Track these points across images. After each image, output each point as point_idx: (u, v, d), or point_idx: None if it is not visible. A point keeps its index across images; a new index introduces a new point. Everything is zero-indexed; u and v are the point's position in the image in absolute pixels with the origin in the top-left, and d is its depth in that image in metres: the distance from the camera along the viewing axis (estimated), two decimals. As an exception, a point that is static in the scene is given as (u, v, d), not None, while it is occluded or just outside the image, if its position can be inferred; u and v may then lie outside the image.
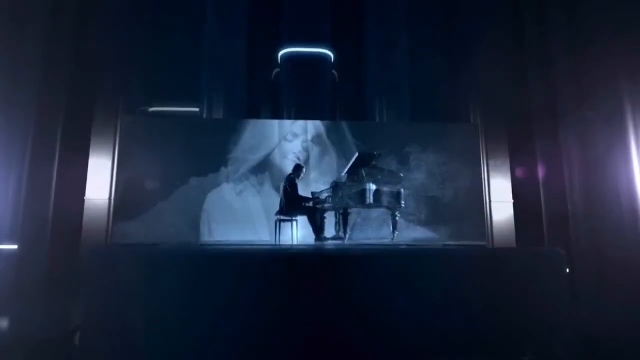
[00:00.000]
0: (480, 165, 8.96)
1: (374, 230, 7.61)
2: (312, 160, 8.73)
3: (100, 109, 8.55)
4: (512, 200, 8.89)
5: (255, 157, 8.70)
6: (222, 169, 8.66)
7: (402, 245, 2.88)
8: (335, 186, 5.81)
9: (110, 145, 8.57)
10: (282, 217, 5.71)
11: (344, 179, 5.95)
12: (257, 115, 9.25)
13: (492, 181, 8.93)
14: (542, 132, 8.61)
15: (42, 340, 3.03)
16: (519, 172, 8.94)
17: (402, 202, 6.10)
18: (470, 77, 9.01)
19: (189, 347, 2.34)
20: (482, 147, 9.01)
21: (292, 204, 5.72)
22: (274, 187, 8.59)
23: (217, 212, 8.51)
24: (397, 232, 6.35)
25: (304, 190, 6.34)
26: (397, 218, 6.27)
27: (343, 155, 8.70)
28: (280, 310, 2.40)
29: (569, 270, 7.16)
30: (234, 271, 2.44)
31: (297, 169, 5.97)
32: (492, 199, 8.89)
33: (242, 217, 8.55)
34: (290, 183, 5.79)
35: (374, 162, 6.00)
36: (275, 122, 8.97)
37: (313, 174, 8.63)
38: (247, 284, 2.39)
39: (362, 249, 2.65)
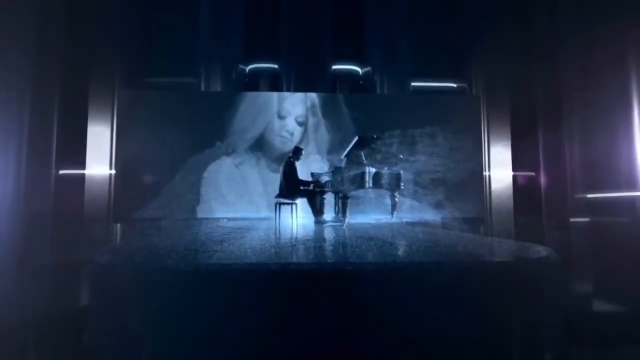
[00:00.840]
0: (481, 137, 8.91)
1: (373, 209, 7.66)
2: (308, 134, 8.70)
3: (96, 83, 8.44)
4: (512, 173, 8.89)
5: (253, 130, 8.66)
6: (221, 142, 8.64)
7: (401, 258, 2.92)
8: (335, 170, 5.81)
9: (108, 120, 8.52)
10: (282, 200, 5.73)
11: (343, 162, 5.94)
12: (256, 88, 9.09)
13: (492, 153, 8.90)
14: (545, 105, 8.51)
15: (46, 321, 3.08)
16: (519, 144, 8.90)
17: (402, 183, 6.13)
18: (473, 50, 8.79)
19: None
20: (483, 120, 8.93)
21: (292, 187, 5.74)
22: (271, 160, 8.65)
23: (216, 186, 8.57)
24: (396, 212, 6.43)
25: (301, 166, 6.30)
26: (396, 199, 6.32)
27: (341, 128, 8.65)
28: (281, 325, 2.47)
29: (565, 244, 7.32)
30: (236, 289, 2.49)
31: (297, 151, 5.93)
32: (491, 171, 8.90)
33: (242, 190, 8.60)
34: (290, 166, 5.78)
35: (373, 145, 5.97)
36: (275, 94, 8.85)
37: (309, 147, 8.62)
38: (248, 303, 2.44)
39: (363, 265, 2.69)
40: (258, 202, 8.55)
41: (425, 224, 7.25)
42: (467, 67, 9.02)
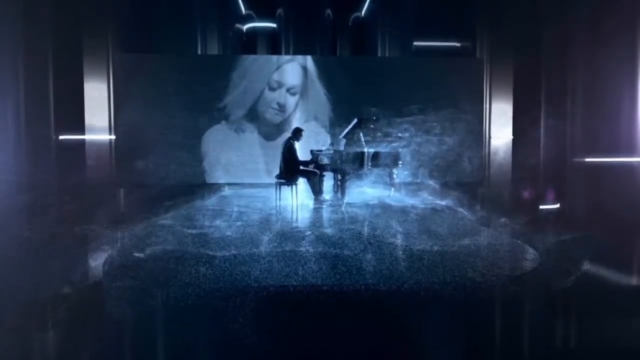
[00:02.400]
0: (483, 100, 8.82)
1: (372, 185, 7.72)
2: (308, 99, 8.64)
3: (89, 47, 8.23)
4: (512, 137, 8.88)
5: (247, 98, 8.60)
6: (218, 107, 8.60)
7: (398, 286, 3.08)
8: (334, 152, 5.86)
9: (104, 84, 8.41)
10: (282, 181, 5.83)
11: (342, 143, 5.97)
12: (254, 50, 8.86)
13: (493, 117, 8.85)
14: (550, 68, 8.32)
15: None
16: (521, 107, 8.80)
17: (400, 162, 6.21)
18: (478, 10, 8.46)
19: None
20: (485, 83, 8.78)
21: (291, 168, 5.80)
22: (266, 127, 8.68)
23: (217, 151, 8.64)
24: (393, 189, 6.55)
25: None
26: (394, 176, 6.42)
27: (340, 93, 8.58)
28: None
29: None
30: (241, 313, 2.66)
31: (296, 132, 5.93)
32: (492, 135, 8.90)
33: (240, 156, 8.68)
34: (290, 148, 5.80)
35: (372, 126, 5.97)
36: (272, 59, 8.65)
37: (306, 114, 8.63)
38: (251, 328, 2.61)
39: (352, 288, 2.86)
40: (257, 169, 8.64)
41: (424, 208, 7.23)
42: (471, 28, 8.73)
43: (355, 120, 5.83)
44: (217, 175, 8.60)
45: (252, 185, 8.50)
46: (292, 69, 8.60)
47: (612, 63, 7.19)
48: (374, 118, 5.94)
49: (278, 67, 8.57)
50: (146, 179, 8.38)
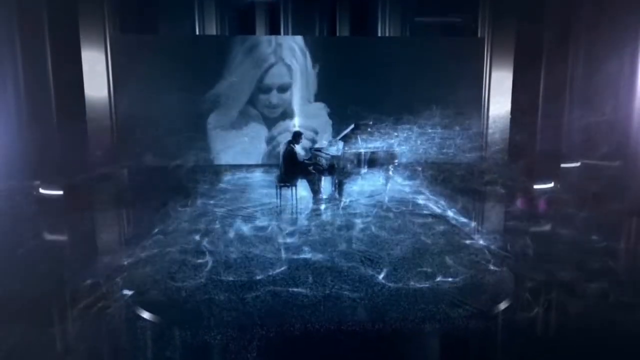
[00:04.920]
0: (483, 80, 8.81)
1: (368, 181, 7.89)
2: (300, 87, 8.77)
3: (86, 25, 8.15)
4: (511, 116, 8.94)
5: (246, 86, 8.68)
6: (220, 88, 8.67)
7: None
8: (332, 157, 6.06)
9: (102, 62, 8.42)
10: (282, 184, 6.05)
11: (340, 145, 6.15)
12: (252, 30, 8.75)
13: (492, 97, 8.89)
14: (551, 51, 8.23)
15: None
16: (520, 86, 8.79)
17: (396, 161, 6.42)
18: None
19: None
20: (486, 62, 8.73)
21: (291, 171, 6.01)
22: (264, 115, 8.88)
23: (217, 134, 8.82)
24: (390, 185, 6.80)
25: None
26: (390, 173, 6.64)
27: (337, 74, 8.63)
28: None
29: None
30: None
31: (296, 136, 6.08)
32: (490, 114, 8.98)
33: (243, 136, 8.88)
34: (290, 152, 5.97)
35: (369, 130, 6.13)
36: (272, 38, 8.58)
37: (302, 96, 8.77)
38: None
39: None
40: (257, 151, 8.87)
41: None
42: (473, 7, 8.55)
43: (352, 126, 6.00)
44: (219, 157, 8.84)
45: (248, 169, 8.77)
46: (280, 70, 8.70)
47: (614, 43, 7.13)
48: (370, 122, 6.11)
49: (267, 70, 8.66)
50: (152, 161, 8.59)
